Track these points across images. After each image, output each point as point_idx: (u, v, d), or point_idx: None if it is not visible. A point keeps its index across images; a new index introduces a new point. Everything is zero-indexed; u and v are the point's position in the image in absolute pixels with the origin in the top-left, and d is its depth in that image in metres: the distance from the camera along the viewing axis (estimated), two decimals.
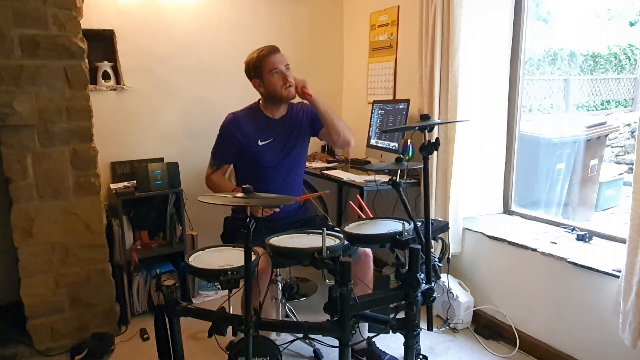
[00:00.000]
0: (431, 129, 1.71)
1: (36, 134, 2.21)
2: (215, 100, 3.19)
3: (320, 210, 2.52)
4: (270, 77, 2.15)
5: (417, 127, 1.70)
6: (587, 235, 2.27)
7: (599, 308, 2.01)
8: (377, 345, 2.28)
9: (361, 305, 1.56)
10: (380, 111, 3.06)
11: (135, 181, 2.71)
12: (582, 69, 4.57)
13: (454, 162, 2.51)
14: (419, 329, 1.68)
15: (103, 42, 2.83)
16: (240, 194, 1.47)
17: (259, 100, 2.32)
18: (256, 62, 2.16)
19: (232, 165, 2.41)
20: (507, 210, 2.77)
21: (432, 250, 1.78)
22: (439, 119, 2.53)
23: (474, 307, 2.58)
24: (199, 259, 1.71)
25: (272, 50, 2.16)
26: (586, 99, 4.62)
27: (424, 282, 1.66)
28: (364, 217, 2.11)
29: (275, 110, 2.27)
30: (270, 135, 2.25)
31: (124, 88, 2.90)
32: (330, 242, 1.71)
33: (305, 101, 2.23)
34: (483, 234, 2.51)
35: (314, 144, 3.33)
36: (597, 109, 4.70)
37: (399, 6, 3.06)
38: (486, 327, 2.53)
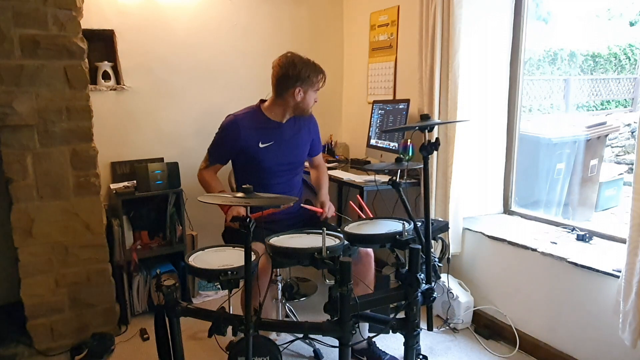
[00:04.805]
0: (431, 129, 1.71)
1: (36, 134, 2.21)
2: (215, 100, 3.19)
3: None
4: (312, 94, 2.23)
5: (417, 127, 1.70)
6: (587, 235, 2.27)
7: (599, 308, 2.01)
8: (377, 345, 2.28)
9: (361, 305, 1.56)
10: (380, 111, 3.06)
11: (135, 181, 2.71)
12: (582, 69, 4.57)
13: (454, 162, 2.51)
14: (419, 329, 1.68)
15: (103, 42, 2.83)
16: (240, 194, 1.47)
17: (260, 101, 2.32)
18: (312, 75, 2.18)
19: (231, 167, 2.42)
20: (507, 210, 2.77)
21: (432, 250, 1.78)
22: (439, 119, 2.53)
23: (474, 307, 2.58)
24: (199, 259, 1.71)
25: (325, 75, 2.25)
26: (586, 99, 4.62)
27: (424, 282, 1.66)
28: (364, 217, 2.11)
29: (282, 115, 2.27)
30: (272, 137, 2.24)
31: (124, 88, 2.90)
32: (330, 242, 1.71)
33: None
34: (483, 234, 2.51)
35: None
36: (597, 109, 4.70)
37: (399, 6, 3.06)
38: (486, 327, 2.53)
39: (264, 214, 2.12)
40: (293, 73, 2.14)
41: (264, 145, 2.23)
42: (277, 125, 2.27)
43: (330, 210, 2.29)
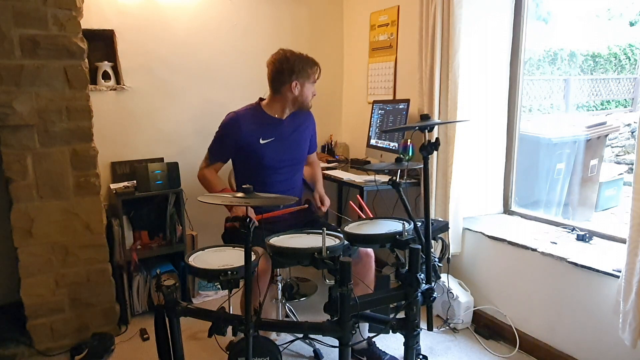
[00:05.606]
0: (431, 129, 1.71)
1: (36, 134, 2.21)
2: (215, 100, 3.19)
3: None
4: (310, 87, 2.26)
5: (417, 127, 1.70)
6: (587, 235, 2.27)
7: (599, 308, 2.01)
8: (377, 345, 2.28)
9: (361, 305, 1.56)
10: (380, 111, 3.06)
11: (135, 181, 2.71)
12: (582, 69, 4.57)
13: (454, 162, 2.51)
14: (419, 329, 1.68)
15: (103, 42, 2.83)
16: (240, 194, 1.47)
17: (259, 100, 2.32)
18: (307, 67, 2.22)
19: (231, 166, 2.42)
20: (507, 210, 2.77)
21: (432, 250, 1.78)
22: (439, 119, 2.53)
23: (474, 307, 2.58)
24: (199, 259, 1.71)
25: (319, 67, 2.29)
26: (586, 99, 4.62)
27: (424, 282, 1.66)
28: (364, 217, 2.11)
29: (282, 111, 2.28)
30: (273, 134, 2.25)
31: (124, 88, 2.90)
32: (330, 242, 1.71)
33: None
34: (483, 234, 2.51)
35: None
36: (597, 109, 4.69)
37: (399, 6, 3.06)
38: (486, 327, 2.53)
39: (264, 217, 2.12)
40: (287, 67, 2.18)
41: (264, 142, 2.24)
42: (277, 121, 2.28)
43: (326, 203, 2.36)
